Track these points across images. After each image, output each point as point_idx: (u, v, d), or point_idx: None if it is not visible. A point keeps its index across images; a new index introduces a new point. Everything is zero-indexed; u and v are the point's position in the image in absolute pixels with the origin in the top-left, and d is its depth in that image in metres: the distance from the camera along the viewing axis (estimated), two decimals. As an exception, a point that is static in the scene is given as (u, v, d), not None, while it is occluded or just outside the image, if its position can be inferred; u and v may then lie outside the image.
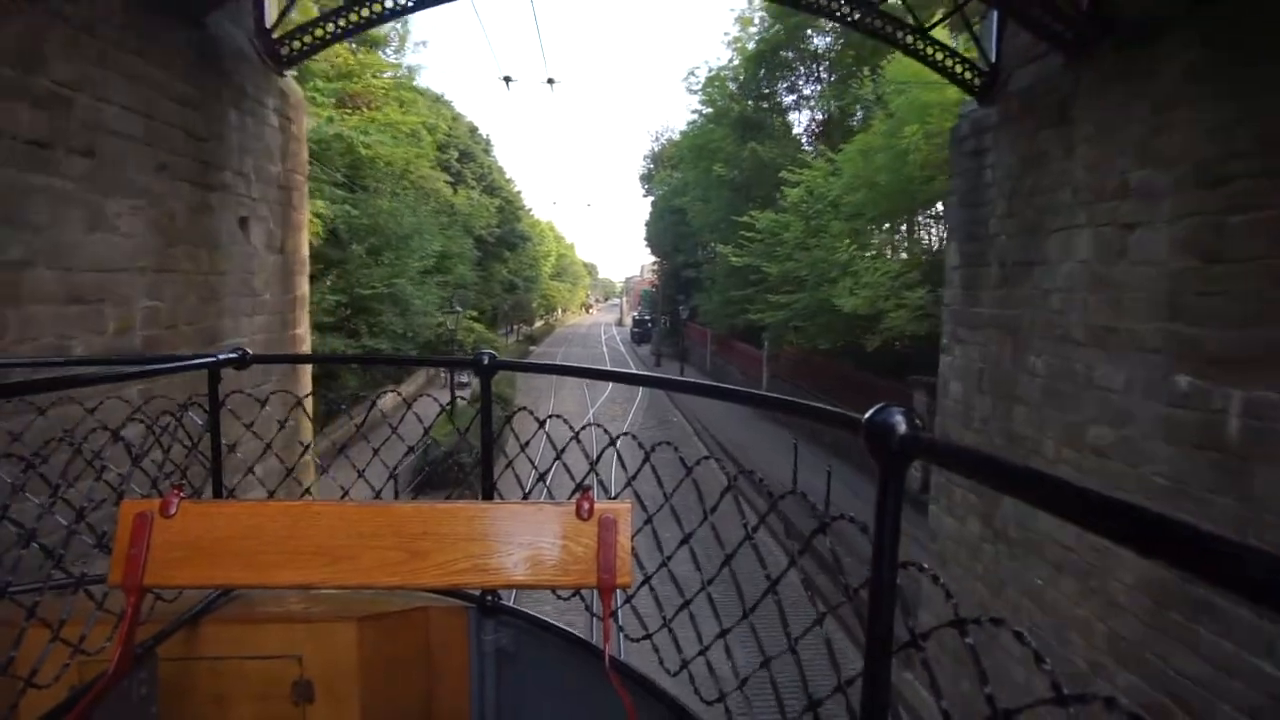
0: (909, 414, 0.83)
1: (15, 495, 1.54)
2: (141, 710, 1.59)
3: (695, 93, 29.27)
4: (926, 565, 0.92)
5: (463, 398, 17.13)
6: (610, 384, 25.98)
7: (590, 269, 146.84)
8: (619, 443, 1.81)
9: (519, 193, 48.22)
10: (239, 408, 2.28)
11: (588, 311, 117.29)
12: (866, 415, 0.85)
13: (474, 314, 29.91)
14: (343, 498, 1.89)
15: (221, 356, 2.13)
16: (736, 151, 25.04)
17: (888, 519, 0.83)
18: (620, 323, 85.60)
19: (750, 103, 26.30)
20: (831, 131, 23.21)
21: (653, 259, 54.59)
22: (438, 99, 40.37)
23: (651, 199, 52.93)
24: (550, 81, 16.31)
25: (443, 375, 20.79)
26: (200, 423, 2.14)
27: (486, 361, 1.95)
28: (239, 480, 2.32)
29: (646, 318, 61.34)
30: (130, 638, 1.21)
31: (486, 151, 43.63)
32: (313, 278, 9.12)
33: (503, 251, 45.28)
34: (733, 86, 27.03)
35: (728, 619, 1.40)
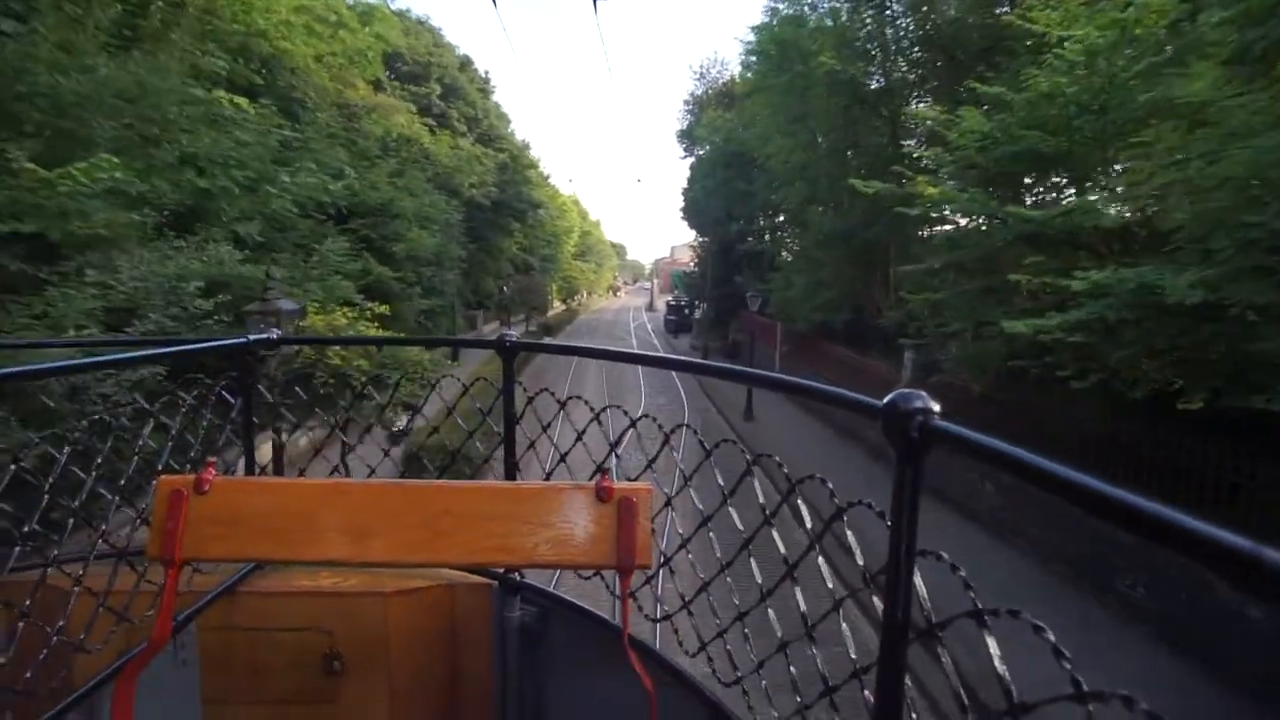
0: (929, 400, 0.81)
1: (62, 471, 1.61)
2: (183, 676, 1.81)
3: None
4: (945, 555, 0.85)
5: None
6: (639, 384, 23.97)
7: (618, 249, 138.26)
8: (640, 425, 1.76)
9: (528, 149, 38.70)
10: None
11: (615, 294, 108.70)
12: (885, 400, 0.84)
13: (427, 304, 20.75)
14: (369, 475, 1.89)
15: (253, 338, 2.14)
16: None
17: (906, 507, 0.82)
18: (651, 307, 76.31)
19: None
20: None
21: (692, 236, 44.97)
22: (420, 23, 31.28)
23: (692, 159, 43.26)
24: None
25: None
26: (234, 401, 2.18)
27: (509, 343, 1.95)
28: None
29: (683, 303, 51.84)
30: (170, 608, 1.23)
31: (484, 93, 34.30)
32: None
33: (507, 221, 36.16)
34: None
35: (748, 602, 1.39)
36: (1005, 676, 0.70)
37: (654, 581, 1.62)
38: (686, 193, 44.47)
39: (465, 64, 32.50)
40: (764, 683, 1.32)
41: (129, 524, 1.79)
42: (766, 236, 27.34)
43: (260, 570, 2.00)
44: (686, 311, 50.26)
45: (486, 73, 34.37)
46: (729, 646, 1.43)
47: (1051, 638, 0.66)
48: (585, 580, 1.65)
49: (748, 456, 1.42)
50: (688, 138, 42.22)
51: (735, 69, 32.66)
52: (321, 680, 1.87)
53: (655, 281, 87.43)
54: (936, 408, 0.80)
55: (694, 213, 37.60)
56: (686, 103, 39.80)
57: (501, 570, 1.99)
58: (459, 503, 1.26)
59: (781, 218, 26.24)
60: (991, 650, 0.73)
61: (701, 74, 37.95)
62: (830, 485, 1.18)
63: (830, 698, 1.10)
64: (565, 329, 43.98)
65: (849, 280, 18.39)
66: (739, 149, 29.98)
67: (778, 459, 1.43)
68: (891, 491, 0.82)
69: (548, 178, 54.06)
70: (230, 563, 1.81)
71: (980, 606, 0.76)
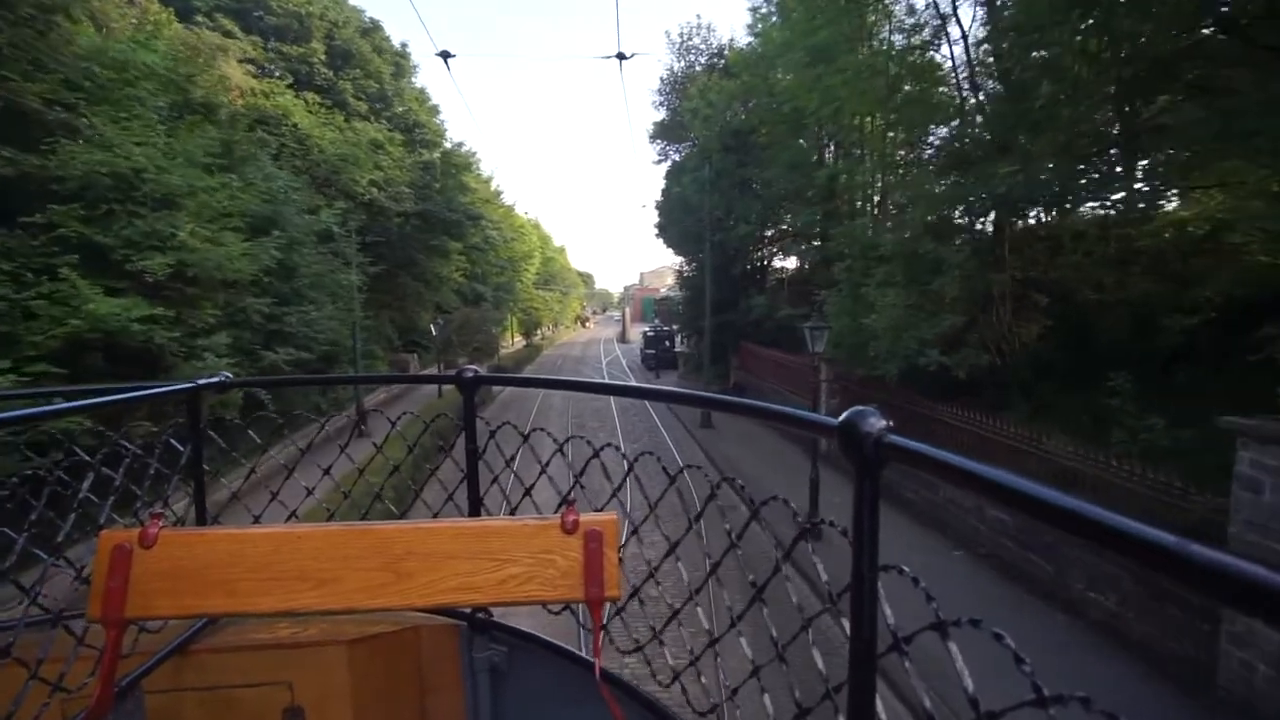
0: (882, 416, 0.82)
1: None
2: None
3: None
4: (907, 569, 0.85)
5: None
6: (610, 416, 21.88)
7: (585, 278, 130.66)
8: (605, 455, 1.70)
9: (464, 149, 30.17)
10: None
11: (583, 326, 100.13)
12: (840, 418, 0.85)
13: (282, 355, 12.40)
14: (329, 519, 1.66)
15: (201, 381, 2.09)
16: None
17: (865, 522, 0.82)
18: (623, 339, 67.94)
19: None
20: None
21: (667, 258, 37.26)
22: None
23: (669, 163, 35.65)
24: None
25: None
26: (182, 449, 2.08)
27: (470, 375, 1.93)
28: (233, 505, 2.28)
29: (662, 331, 43.75)
30: (112, 673, 1.18)
31: (399, 72, 26.02)
32: None
33: (439, 240, 27.82)
34: None
35: (721, 628, 1.35)
36: (969, 687, 0.71)
37: (624, 613, 1.54)
38: (663, 203, 36.81)
39: (371, 29, 24.18)
40: (739, 710, 1.30)
41: (66, 585, 1.64)
42: (819, 240, 19.41)
43: (212, 625, 1.89)
44: (667, 344, 42.07)
45: (404, 45, 26.19)
46: (702, 675, 1.39)
47: (1011, 644, 0.67)
48: (556, 615, 1.59)
49: (711, 481, 1.40)
50: (663, 135, 34.55)
51: (730, 34, 25.10)
52: None
53: (626, 310, 79.20)
54: (889, 424, 0.81)
55: (675, 223, 29.68)
56: (660, 90, 31.98)
57: (468, 610, 1.91)
58: (421, 543, 1.23)
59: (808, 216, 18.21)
60: (956, 660, 0.73)
61: (681, 44, 30.18)
62: (793, 506, 1.18)
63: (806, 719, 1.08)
64: (523, 371, 35.28)
65: (977, 299, 10.50)
66: (743, 127, 22.25)
67: (740, 482, 1.36)
68: (852, 506, 0.82)
69: (499, 194, 45.98)
70: (179, 620, 1.67)
71: (942, 618, 0.75)
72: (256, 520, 1.96)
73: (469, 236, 30.67)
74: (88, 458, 1.80)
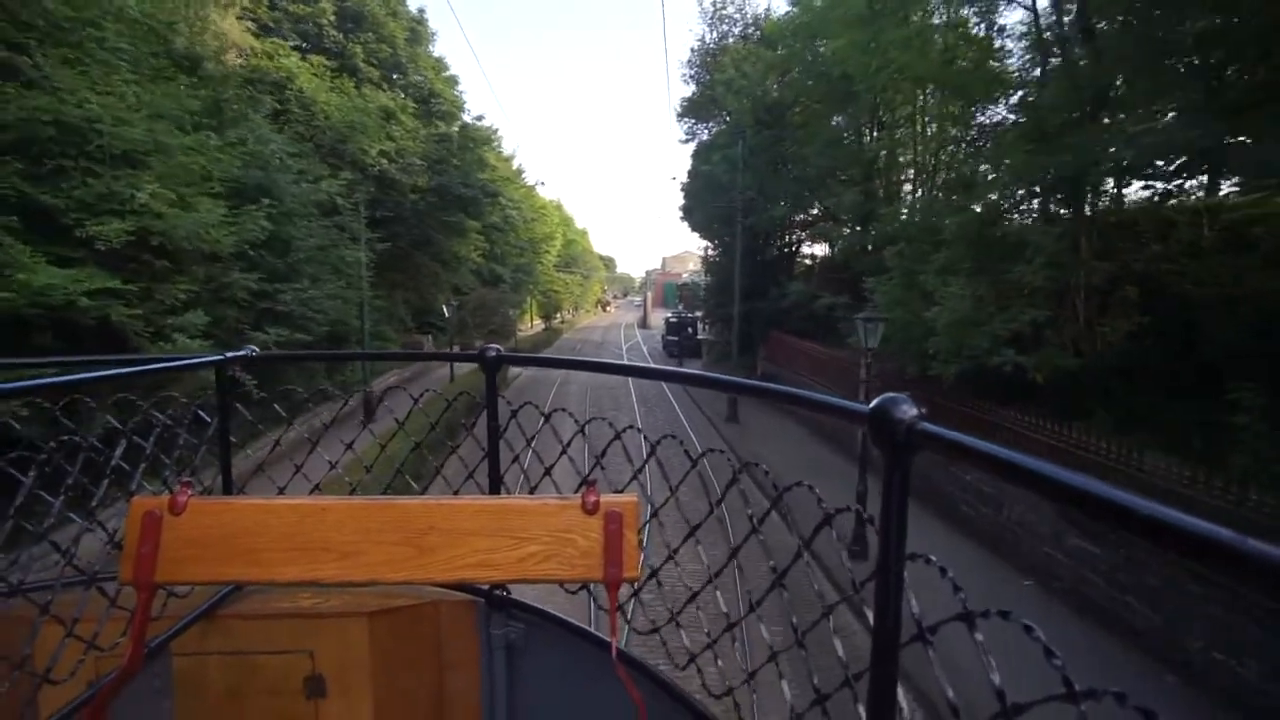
0: (914, 403, 0.81)
1: (29, 494, 1.54)
2: (157, 704, 1.73)
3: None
4: (934, 558, 0.84)
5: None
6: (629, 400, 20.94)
7: (607, 262, 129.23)
8: (626, 437, 1.76)
9: (484, 123, 28.72)
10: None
11: (604, 310, 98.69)
12: (871, 405, 0.84)
13: (271, 334, 11.33)
14: (351, 493, 1.70)
15: (229, 355, 2.11)
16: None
17: (894, 511, 0.81)
18: (644, 324, 66.38)
19: None
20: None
21: (692, 242, 35.82)
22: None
23: (695, 144, 33.94)
24: None
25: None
26: (210, 420, 2.10)
27: (492, 354, 1.95)
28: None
29: (686, 317, 42.30)
30: (142, 634, 1.22)
31: (415, 39, 24.58)
32: None
33: (456, 217, 26.58)
34: None
35: (739, 613, 1.38)
36: (996, 679, 0.70)
37: (642, 595, 1.55)
38: (689, 184, 35.23)
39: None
40: (755, 695, 1.31)
41: (99, 548, 1.67)
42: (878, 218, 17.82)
43: (238, 592, 1.94)
44: (690, 331, 40.61)
45: (422, 11, 24.72)
46: (719, 659, 1.40)
47: (1042, 637, 0.66)
48: (573, 594, 1.62)
49: (734, 464, 1.39)
50: (692, 112, 32.85)
51: (767, 3, 23.30)
52: (303, 704, 1.83)
53: (648, 295, 77.58)
54: (918, 415, 0.80)
55: (702, 204, 28.07)
56: (690, 63, 30.16)
57: (486, 587, 1.96)
58: (443, 519, 1.24)
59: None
60: (982, 651, 0.73)
61: (714, 12, 28.29)
62: (817, 491, 1.17)
63: (823, 706, 1.07)
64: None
65: (1061, 291, 8.92)
66: (779, 101, 20.58)
67: (765, 467, 1.36)
68: (881, 495, 0.82)
69: (521, 173, 44.64)
70: (207, 585, 1.75)
71: (969, 609, 0.75)
72: (281, 491, 1.98)
73: (487, 215, 29.35)
74: (120, 425, 1.78)
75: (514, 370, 31.73)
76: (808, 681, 1.09)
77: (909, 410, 0.80)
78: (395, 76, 21.59)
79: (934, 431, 0.77)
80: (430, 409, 2.12)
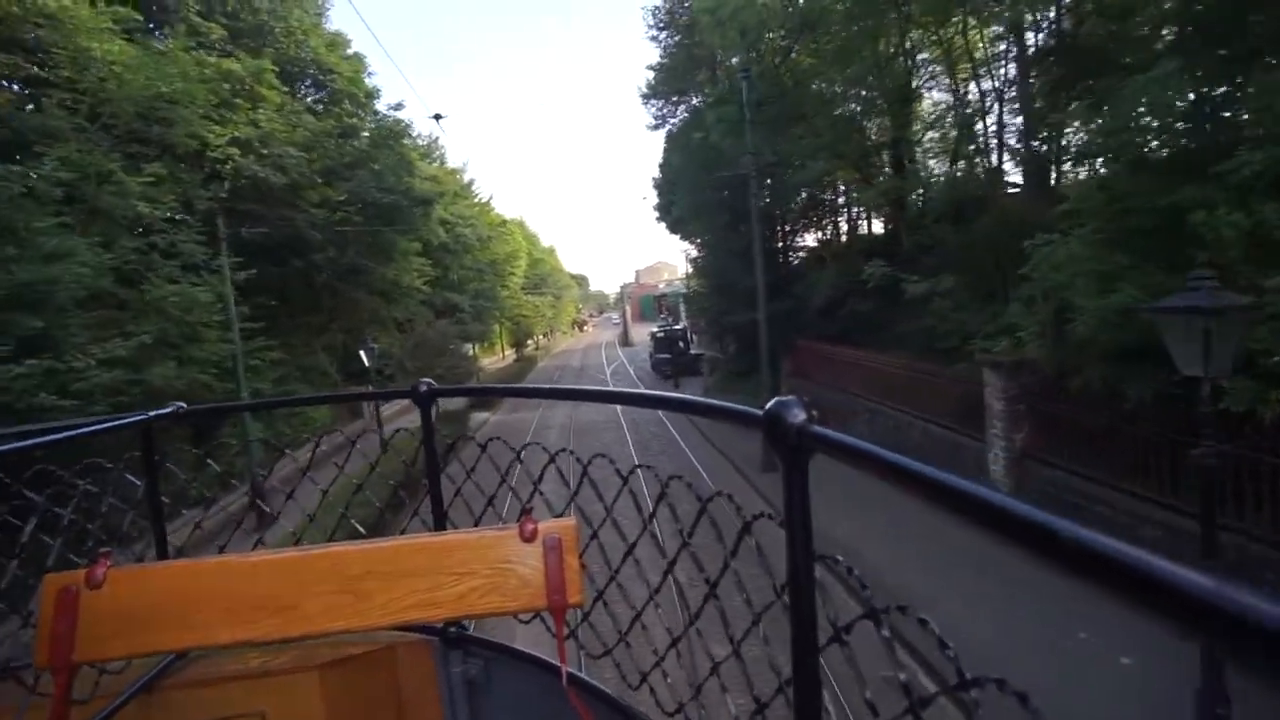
0: (806, 407, 0.82)
1: None
2: None
3: None
4: (841, 558, 0.88)
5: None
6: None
7: (580, 280, 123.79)
8: (561, 460, 1.67)
9: (410, 129, 22.94)
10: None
11: (581, 330, 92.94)
12: (764, 409, 0.85)
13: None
14: (296, 543, 1.73)
15: (155, 413, 2.03)
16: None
17: (796, 513, 0.82)
18: (626, 342, 60.62)
19: None
20: None
21: (673, 251, 30.86)
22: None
23: (671, 124, 28.67)
24: None
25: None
26: (138, 483, 2.00)
27: (425, 389, 1.92)
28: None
29: (675, 330, 36.84)
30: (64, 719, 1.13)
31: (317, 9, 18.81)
32: None
33: (386, 236, 20.85)
34: None
35: (681, 629, 1.36)
36: (902, 676, 0.71)
37: (593, 618, 1.53)
38: (663, 179, 29.94)
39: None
40: (703, 711, 1.30)
41: (12, 633, 1.60)
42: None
43: (180, 661, 1.81)
44: (682, 345, 35.10)
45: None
46: (668, 676, 1.39)
47: (936, 630, 0.66)
48: (526, 624, 1.57)
49: (660, 479, 1.37)
50: (661, 87, 27.51)
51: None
52: None
53: (626, 310, 71.99)
54: (809, 418, 0.81)
55: (686, 192, 22.57)
56: (656, 13, 24.73)
57: (440, 625, 1.86)
58: (380, 562, 1.21)
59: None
60: (888, 649, 0.74)
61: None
62: (736, 500, 1.16)
63: (763, 715, 1.06)
64: (506, 401, 28.14)
65: None
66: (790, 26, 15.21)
67: (687, 481, 1.37)
68: (783, 498, 0.82)
69: (472, 185, 39.09)
70: (139, 658, 1.58)
71: (875, 607, 0.76)
72: (221, 551, 1.93)
73: (424, 231, 23.67)
74: (36, 497, 1.69)
75: (479, 416, 25.89)
76: (748, 692, 1.08)
77: (799, 414, 0.80)
78: (252, 41, 15.86)
79: (823, 434, 0.78)
80: (375, 456, 2.17)
